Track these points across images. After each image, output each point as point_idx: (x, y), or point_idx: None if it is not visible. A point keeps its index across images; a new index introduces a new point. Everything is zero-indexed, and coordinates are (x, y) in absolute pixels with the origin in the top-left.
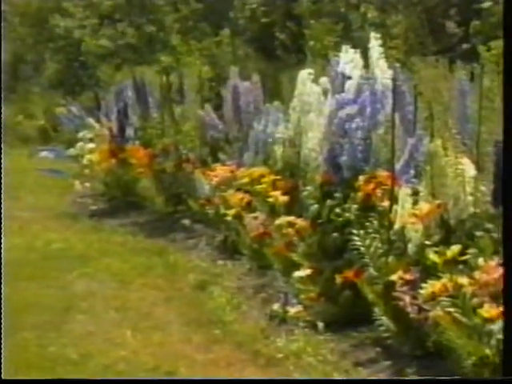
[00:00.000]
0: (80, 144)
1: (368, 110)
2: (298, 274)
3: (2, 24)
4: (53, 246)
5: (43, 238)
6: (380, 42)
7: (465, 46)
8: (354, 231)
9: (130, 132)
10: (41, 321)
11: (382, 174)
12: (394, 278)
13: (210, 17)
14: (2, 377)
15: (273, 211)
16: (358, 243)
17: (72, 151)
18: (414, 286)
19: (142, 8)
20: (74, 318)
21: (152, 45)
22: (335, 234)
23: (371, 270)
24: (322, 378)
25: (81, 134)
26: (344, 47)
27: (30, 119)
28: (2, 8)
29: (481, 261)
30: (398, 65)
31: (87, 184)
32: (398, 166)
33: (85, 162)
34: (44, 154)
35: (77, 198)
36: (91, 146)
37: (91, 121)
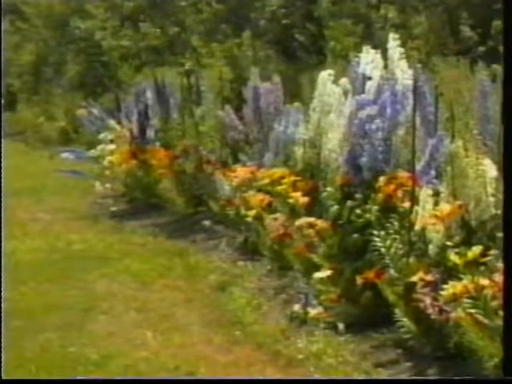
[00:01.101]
0: (101, 145)
1: (388, 110)
2: (318, 275)
3: (25, 26)
4: (74, 246)
5: (65, 239)
6: (399, 42)
7: (486, 46)
8: (375, 232)
9: (150, 133)
10: (63, 322)
11: (403, 174)
12: (414, 279)
13: (231, 18)
14: (2, 377)
15: (293, 212)
16: (379, 244)
17: (93, 152)
18: (434, 287)
19: (164, 9)
20: (95, 318)
21: (173, 46)
22: (356, 235)
23: (392, 271)
24: (322, 378)
25: (102, 136)
26: (364, 48)
27: (52, 121)
28: (26, 10)
29: None
30: (418, 65)
31: (108, 185)
32: (418, 167)
33: (105, 163)
34: (65, 155)
35: (98, 199)
36: (112, 147)
37: (112, 122)
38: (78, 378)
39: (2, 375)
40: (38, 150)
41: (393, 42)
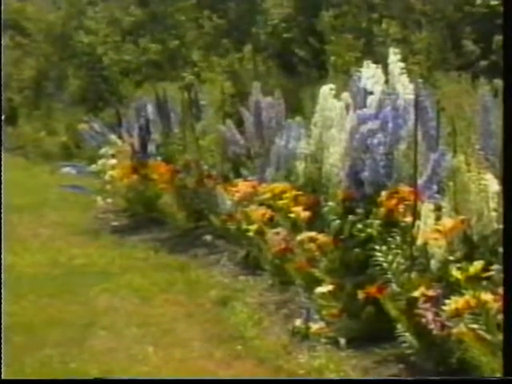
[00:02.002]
0: (102, 160)
1: (390, 125)
2: (320, 289)
3: (26, 41)
4: (75, 261)
5: (66, 253)
6: (400, 57)
7: (487, 61)
8: (377, 247)
9: (151, 148)
10: (63, 337)
11: (405, 189)
12: (416, 294)
13: (232, 33)
14: (2, 377)
15: (295, 227)
16: (381, 259)
17: (94, 167)
18: (436, 302)
19: (164, 24)
20: (96, 333)
21: (174, 61)
22: (357, 250)
23: (394, 286)
24: (321, 378)
25: (103, 151)
26: (365, 63)
27: (53, 135)
28: (27, 25)
29: None
30: (420, 80)
31: (109, 200)
32: (420, 182)
33: (107, 177)
34: (66, 170)
35: (99, 214)
36: (113, 162)
37: (113, 137)
38: (78, 378)
39: (2, 375)
40: (39, 164)
41: (394, 57)
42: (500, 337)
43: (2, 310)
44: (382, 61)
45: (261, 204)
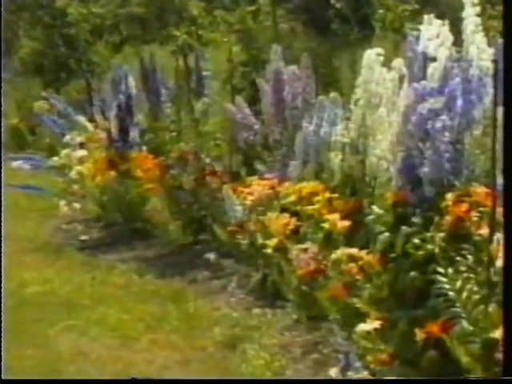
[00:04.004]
0: (66, 151)
1: (459, 103)
2: (362, 327)
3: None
4: (29, 289)
5: (17, 278)
6: (478, 9)
7: None
8: (440, 269)
9: (134, 135)
10: None
11: (479, 190)
12: (496, 334)
13: None
14: (2, 377)
15: (328, 241)
16: (446, 286)
17: (55, 161)
18: None
19: None
20: None
21: (164, 16)
22: (414, 273)
23: (464, 323)
24: (323, 378)
25: (67, 138)
26: (426, 17)
27: None
28: None
29: None
30: (501, 41)
31: (76, 205)
32: (501, 180)
33: (73, 175)
34: (18, 163)
35: (62, 224)
36: (82, 153)
37: (82, 119)
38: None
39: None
40: None
41: (469, 9)
42: None
43: None
44: (449, 14)
45: (283, 210)
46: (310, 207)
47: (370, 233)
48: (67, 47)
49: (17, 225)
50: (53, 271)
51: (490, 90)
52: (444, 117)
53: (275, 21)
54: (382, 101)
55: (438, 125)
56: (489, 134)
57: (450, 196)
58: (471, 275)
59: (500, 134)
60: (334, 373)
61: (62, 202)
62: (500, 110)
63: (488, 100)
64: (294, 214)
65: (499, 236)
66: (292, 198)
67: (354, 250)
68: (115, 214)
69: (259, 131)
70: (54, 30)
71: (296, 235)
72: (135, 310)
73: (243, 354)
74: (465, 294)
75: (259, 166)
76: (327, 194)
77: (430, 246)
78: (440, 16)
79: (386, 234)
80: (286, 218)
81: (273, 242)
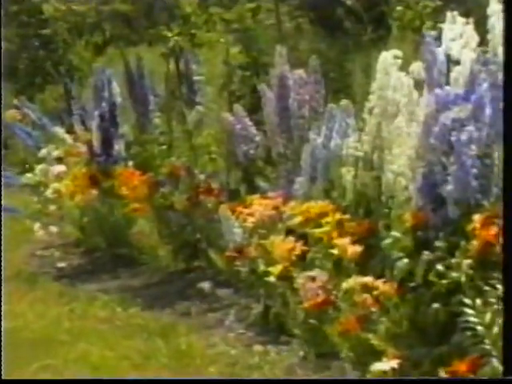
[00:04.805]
0: (42, 166)
1: (487, 112)
2: (378, 366)
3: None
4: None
5: None
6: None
7: None
8: (467, 300)
9: (119, 148)
10: None
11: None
12: None
13: None
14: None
15: (339, 268)
16: (474, 319)
17: (30, 177)
18: None
19: None
20: None
21: (153, 13)
22: (436, 305)
23: (495, 362)
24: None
25: (43, 152)
26: (449, 15)
27: None
28: None
29: None
30: None
31: (53, 228)
32: None
33: (49, 193)
34: None
35: (37, 250)
36: (59, 169)
37: (59, 131)
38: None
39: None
40: None
41: (495, 6)
42: None
43: None
44: (474, 11)
45: (287, 233)
46: (319, 230)
47: (386, 259)
48: (43, 48)
49: None
50: (26, 304)
51: None
52: (470, 127)
53: (278, 19)
54: (400, 109)
55: (464, 137)
56: None
57: (477, 217)
58: (501, 307)
59: None
60: None
61: (37, 225)
62: None
63: None
64: (301, 237)
65: None
66: (298, 219)
67: (368, 279)
68: (97, 238)
69: (261, 144)
70: (29, 29)
71: (302, 261)
72: (120, 347)
73: None
74: (495, 329)
75: (261, 183)
76: (338, 215)
77: (454, 274)
78: (465, 14)
79: (405, 260)
80: (291, 241)
81: (276, 269)
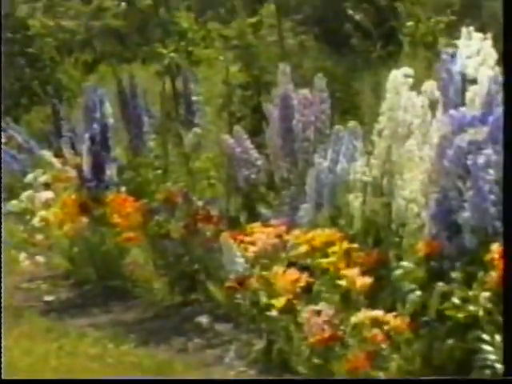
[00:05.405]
0: (28, 193)
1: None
2: None
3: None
4: None
5: None
6: None
7: None
8: (485, 336)
9: (111, 172)
10: None
11: None
12: None
13: None
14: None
15: (347, 301)
16: (492, 356)
17: (15, 204)
18: None
19: None
20: None
21: (147, 29)
22: (451, 341)
23: None
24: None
25: (30, 177)
26: (465, 30)
27: None
28: None
29: None
30: None
31: (40, 258)
32: None
33: (36, 222)
34: None
35: (22, 283)
36: (47, 195)
37: (47, 154)
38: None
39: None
40: None
41: None
42: None
43: None
44: (491, 26)
45: (291, 263)
46: (325, 260)
47: (397, 291)
48: (29, 67)
49: None
50: (11, 340)
51: None
52: (488, 151)
53: (281, 35)
54: (411, 131)
55: (481, 160)
56: None
57: (495, 247)
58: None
59: None
60: None
61: (23, 255)
62: None
63: None
64: (305, 268)
65: None
66: (303, 248)
67: (378, 313)
68: (87, 270)
69: (263, 168)
70: (14, 47)
71: (307, 294)
72: None
73: None
74: None
75: (263, 210)
76: (345, 244)
77: (471, 308)
78: (481, 29)
79: (418, 292)
80: (295, 273)
81: (279, 302)
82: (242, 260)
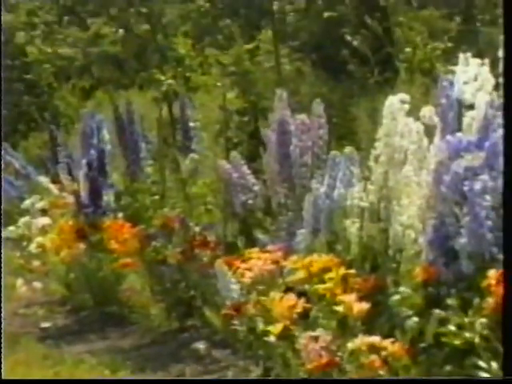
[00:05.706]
0: (25, 219)
1: (502, 159)
2: None
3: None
4: None
5: None
6: None
7: None
8: (481, 363)
9: (108, 198)
10: None
11: None
12: None
13: (240, 11)
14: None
15: (344, 327)
16: None
17: (12, 231)
18: None
19: None
20: None
21: (145, 55)
22: (449, 367)
23: None
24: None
25: (27, 203)
26: (462, 56)
27: None
28: None
29: None
30: None
31: (37, 285)
32: None
33: (33, 248)
34: None
35: (19, 309)
36: (44, 221)
37: (44, 180)
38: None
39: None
40: None
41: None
42: None
43: None
44: (488, 51)
45: (288, 290)
46: (322, 286)
47: (394, 317)
48: (27, 93)
49: None
50: (8, 365)
51: None
52: (484, 176)
53: (278, 61)
54: (408, 157)
55: (477, 186)
56: None
57: (492, 273)
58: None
59: None
60: None
61: (20, 281)
62: None
63: None
64: (302, 294)
65: None
66: (300, 274)
67: (375, 339)
68: (84, 296)
69: (260, 193)
70: (13, 73)
71: (305, 320)
72: None
73: None
74: None
75: (260, 236)
76: (342, 270)
77: (468, 334)
78: (478, 55)
79: (415, 318)
80: (292, 299)
81: (276, 328)
82: (237, 287)
